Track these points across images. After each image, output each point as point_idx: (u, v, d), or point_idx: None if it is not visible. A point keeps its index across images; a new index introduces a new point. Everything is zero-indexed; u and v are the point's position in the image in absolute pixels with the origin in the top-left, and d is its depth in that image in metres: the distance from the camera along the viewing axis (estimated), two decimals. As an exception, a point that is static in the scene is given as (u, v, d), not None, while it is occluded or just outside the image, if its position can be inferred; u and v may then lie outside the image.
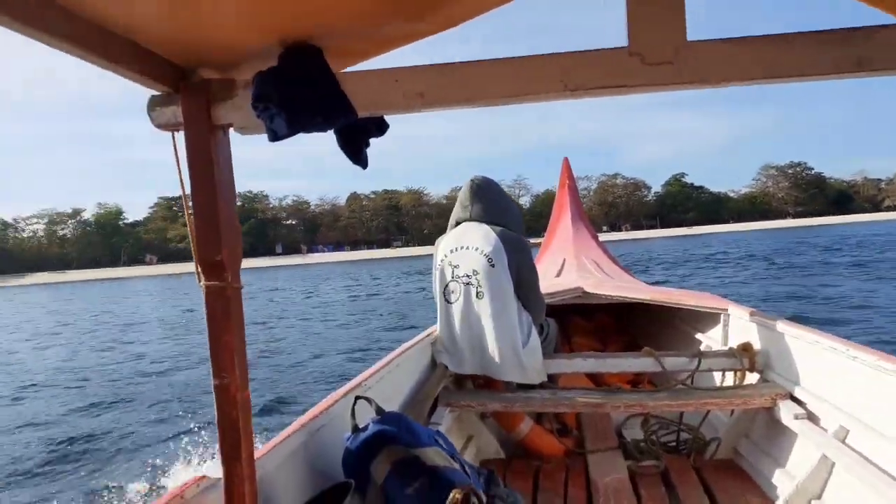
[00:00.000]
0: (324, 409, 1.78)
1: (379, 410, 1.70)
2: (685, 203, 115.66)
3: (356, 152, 1.23)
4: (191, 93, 1.15)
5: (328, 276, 41.50)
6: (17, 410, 8.31)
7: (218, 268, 1.16)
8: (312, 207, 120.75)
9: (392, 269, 43.10)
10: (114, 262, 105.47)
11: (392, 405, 1.86)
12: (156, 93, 1.17)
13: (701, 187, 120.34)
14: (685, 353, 2.82)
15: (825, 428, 2.08)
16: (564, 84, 1.06)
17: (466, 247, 2.69)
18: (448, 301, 2.72)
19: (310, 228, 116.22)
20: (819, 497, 1.97)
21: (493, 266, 2.61)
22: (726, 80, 1.03)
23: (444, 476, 1.57)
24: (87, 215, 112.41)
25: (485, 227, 2.71)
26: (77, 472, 5.63)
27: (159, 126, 1.18)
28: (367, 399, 1.73)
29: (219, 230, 1.15)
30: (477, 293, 2.64)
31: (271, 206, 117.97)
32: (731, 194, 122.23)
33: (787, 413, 2.26)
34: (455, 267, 2.70)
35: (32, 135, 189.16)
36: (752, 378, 2.70)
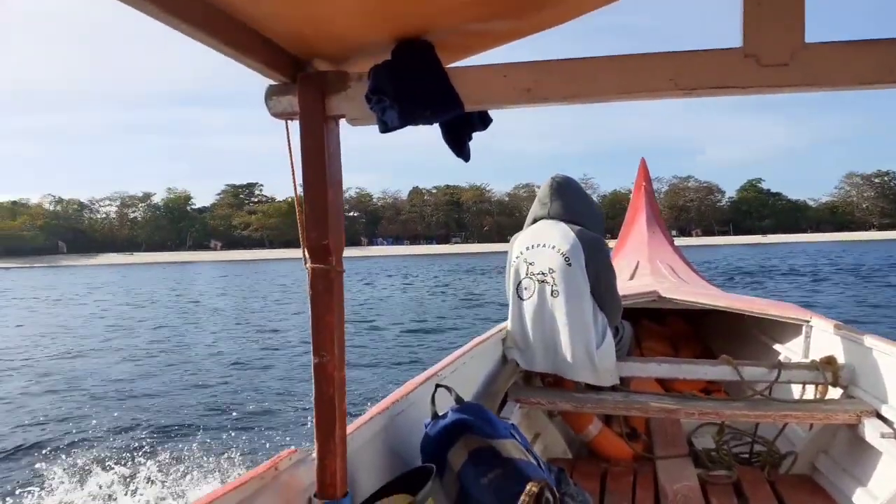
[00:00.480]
0: (403, 394, 1.86)
1: (458, 399, 1.76)
2: (760, 210, 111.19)
3: (460, 145, 1.28)
4: (307, 83, 1.22)
5: (386, 270, 42.05)
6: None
7: (324, 252, 1.24)
8: (374, 200, 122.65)
9: (447, 266, 43.16)
10: (180, 246, 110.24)
11: (465, 396, 1.92)
12: (273, 82, 1.24)
13: (778, 194, 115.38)
14: (764, 363, 2.76)
15: None
16: (675, 83, 1.06)
17: (543, 244, 2.71)
18: (521, 298, 2.75)
19: (371, 221, 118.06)
20: None
21: (569, 265, 2.63)
22: (845, 83, 1.02)
23: (520, 469, 1.61)
24: (156, 199, 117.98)
25: (563, 226, 2.73)
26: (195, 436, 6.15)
27: (275, 115, 1.25)
28: (448, 388, 1.79)
29: (326, 216, 1.23)
30: (552, 291, 2.66)
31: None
32: (811, 202, 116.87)
33: (872, 431, 2.18)
34: (530, 264, 2.72)
35: (112, 123, 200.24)
36: (834, 393, 2.62)
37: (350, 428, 1.56)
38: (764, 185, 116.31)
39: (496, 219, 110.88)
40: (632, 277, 4.58)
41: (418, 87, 1.14)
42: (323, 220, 1.23)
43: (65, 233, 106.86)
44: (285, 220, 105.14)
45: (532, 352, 2.76)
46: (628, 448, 2.77)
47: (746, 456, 2.73)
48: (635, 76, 1.08)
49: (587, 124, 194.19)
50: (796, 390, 2.94)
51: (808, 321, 3.11)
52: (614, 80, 1.09)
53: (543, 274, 2.68)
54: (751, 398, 2.63)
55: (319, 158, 1.22)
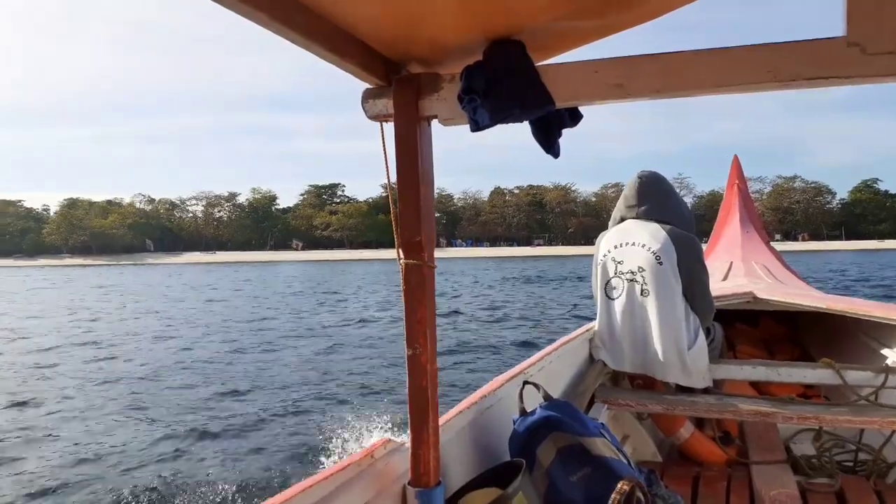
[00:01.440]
0: (491, 390, 1.93)
1: (546, 396, 1.81)
2: (876, 213, 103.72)
3: (550, 142, 1.32)
4: (402, 86, 1.29)
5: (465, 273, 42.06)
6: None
7: (416, 248, 1.31)
8: (455, 201, 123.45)
9: (527, 271, 42.40)
10: (263, 246, 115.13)
11: (553, 395, 1.97)
12: (369, 86, 1.33)
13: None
14: (869, 367, 2.67)
15: None
16: (773, 75, 1.05)
17: (632, 243, 2.72)
18: (609, 297, 2.76)
19: (451, 222, 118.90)
20: None
21: (660, 264, 2.63)
22: None
23: (611, 467, 1.65)
24: (241, 199, 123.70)
25: (653, 225, 2.72)
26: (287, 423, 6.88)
27: (371, 117, 1.33)
28: (535, 385, 1.85)
29: (419, 214, 1.30)
30: (642, 290, 2.66)
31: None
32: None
33: None
34: (619, 263, 2.73)
35: (203, 126, 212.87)
36: None
37: (440, 420, 1.64)
38: (881, 186, 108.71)
39: (582, 220, 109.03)
40: (725, 278, 4.50)
41: (509, 86, 1.19)
42: (416, 218, 1.30)
43: (153, 231, 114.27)
44: (364, 220, 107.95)
45: (621, 351, 2.77)
46: (721, 452, 2.74)
47: (850, 464, 2.64)
48: (730, 69, 1.08)
49: (679, 126, 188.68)
50: None
51: None
52: (707, 74, 1.09)
53: (633, 273, 2.68)
54: (855, 403, 2.54)
55: (413, 158, 1.29)
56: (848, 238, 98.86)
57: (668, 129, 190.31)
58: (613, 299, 2.75)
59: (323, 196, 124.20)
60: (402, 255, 1.33)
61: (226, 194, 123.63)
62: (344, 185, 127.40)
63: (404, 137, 1.29)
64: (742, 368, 2.80)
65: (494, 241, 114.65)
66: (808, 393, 3.39)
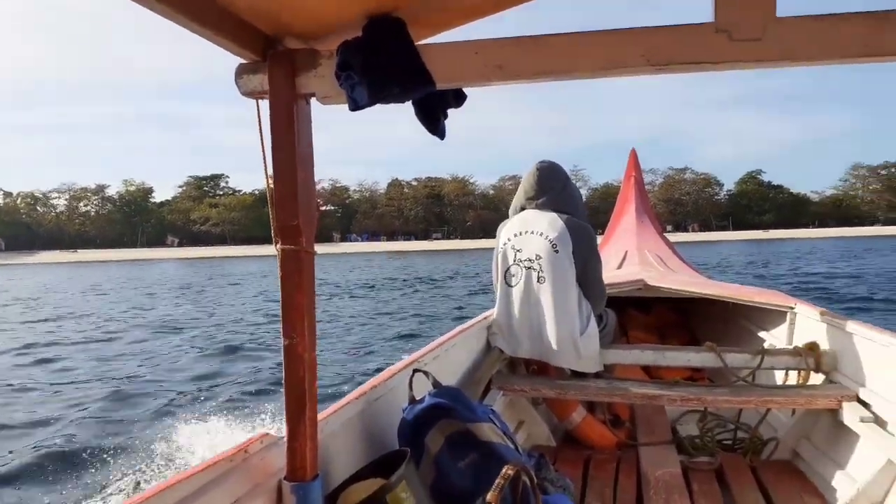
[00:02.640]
0: (382, 380, 1.96)
1: (436, 384, 1.86)
2: (761, 204, 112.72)
3: (433, 123, 1.35)
4: (277, 62, 1.28)
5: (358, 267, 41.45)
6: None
7: (294, 232, 1.30)
8: (350, 193, 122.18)
9: (424, 267, 42.03)
10: (135, 243, 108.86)
11: (447, 383, 2.03)
12: (244, 61, 1.31)
13: (779, 187, 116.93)
14: (747, 349, 2.93)
15: (893, 433, 2.15)
16: (647, 59, 1.12)
17: (531, 231, 2.87)
18: (509, 284, 2.91)
19: (347, 215, 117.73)
20: (881, 502, 2.04)
21: (556, 252, 2.79)
22: (817, 58, 1.08)
23: (498, 452, 1.71)
24: (111, 192, 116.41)
25: (551, 214, 2.88)
26: (143, 426, 6.46)
27: (245, 93, 1.32)
28: (425, 372, 1.89)
29: (296, 196, 1.29)
30: (538, 278, 2.81)
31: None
32: (813, 196, 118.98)
33: (852, 416, 2.33)
34: (518, 251, 2.87)
35: (103, 116, 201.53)
36: (816, 379, 2.78)
37: (326, 412, 1.64)
38: (764, 178, 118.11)
39: (480, 212, 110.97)
40: (620, 266, 4.80)
41: (388, 64, 1.21)
42: (293, 201, 1.29)
43: (4, 228, 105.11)
44: (248, 214, 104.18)
45: (517, 338, 2.91)
46: (611, 435, 2.93)
47: (730, 442, 2.89)
48: (608, 53, 1.14)
49: (580, 121, 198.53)
50: (779, 376, 3.13)
51: (792, 308, 3.30)
52: (587, 57, 1.15)
53: (531, 260, 2.83)
54: (734, 385, 2.79)
55: (290, 137, 1.28)
56: (735, 228, 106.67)
57: (567, 126, 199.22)
58: (512, 286, 2.89)
59: (204, 188, 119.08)
60: (278, 240, 1.32)
61: (93, 186, 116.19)
62: (228, 176, 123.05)
63: (280, 115, 1.28)
64: (631, 353, 3.01)
65: (392, 235, 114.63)
66: (695, 376, 3.68)
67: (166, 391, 7.98)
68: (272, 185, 1.31)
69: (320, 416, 1.57)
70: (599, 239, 3.59)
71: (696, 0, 1.22)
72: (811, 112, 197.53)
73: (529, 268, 2.84)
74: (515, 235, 2.92)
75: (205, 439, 5.48)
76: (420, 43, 1.25)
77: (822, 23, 1.06)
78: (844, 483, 2.27)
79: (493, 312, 3.03)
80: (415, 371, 1.91)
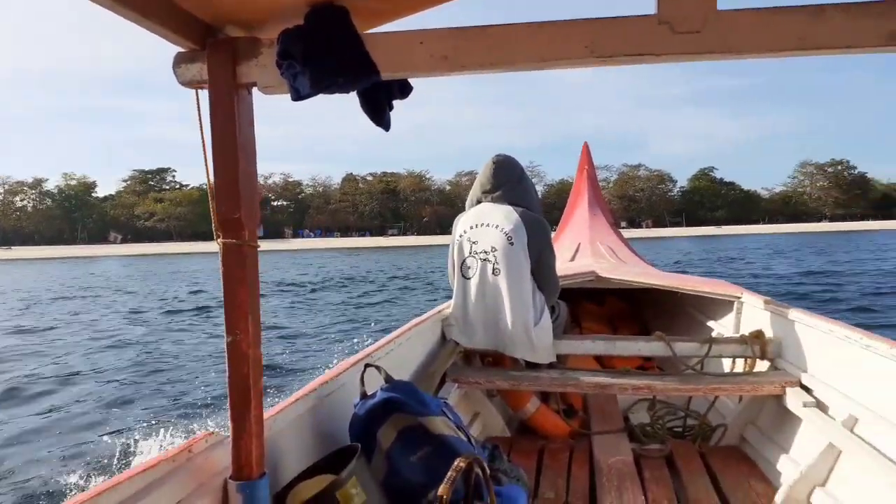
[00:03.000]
0: (333, 375, 1.96)
1: (388, 378, 1.86)
2: (713, 200, 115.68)
3: (379, 114, 1.35)
4: (216, 50, 1.27)
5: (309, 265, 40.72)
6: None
7: (236, 226, 1.29)
8: (304, 188, 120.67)
9: (376, 264, 41.01)
10: (76, 239, 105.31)
11: (401, 377, 2.04)
12: (182, 49, 1.29)
13: (731, 183, 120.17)
14: (696, 338, 3.04)
15: (833, 416, 2.27)
16: (590, 50, 1.14)
17: (487, 224, 2.93)
18: (465, 276, 2.97)
19: (299, 211, 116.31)
20: (823, 484, 2.15)
21: (511, 244, 2.86)
22: (756, 50, 1.11)
23: (450, 445, 1.74)
24: (50, 186, 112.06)
25: (506, 207, 2.96)
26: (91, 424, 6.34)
27: (183, 83, 1.29)
28: (377, 367, 1.89)
29: (238, 189, 1.28)
30: (494, 270, 2.88)
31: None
32: (764, 193, 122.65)
33: (795, 401, 2.45)
34: (474, 243, 2.94)
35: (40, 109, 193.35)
36: (762, 366, 2.91)
37: (274, 409, 1.64)
38: (716, 175, 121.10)
39: (437, 208, 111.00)
40: (573, 258, 4.95)
41: (331, 53, 1.20)
42: (234, 193, 1.28)
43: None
44: (196, 209, 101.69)
45: (473, 329, 2.98)
46: (565, 424, 3.03)
47: (680, 429, 3.02)
48: (553, 44, 1.16)
49: (536, 118, 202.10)
50: (727, 364, 3.28)
51: (739, 297, 3.45)
52: (532, 48, 1.17)
53: (486, 252, 2.90)
54: (683, 373, 2.90)
55: (230, 128, 1.27)
56: (688, 224, 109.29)
57: (524, 123, 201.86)
58: (468, 278, 2.96)
59: (150, 182, 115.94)
60: (219, 234, 1.30)
61: (30, 180, 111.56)
62: (174, 170, 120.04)
63: (220, 105, 1.27)
64: (583, 343, 3.10)
65: (346, 231, 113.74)
66: (646, 365, 3.82)
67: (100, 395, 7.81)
68: (213, 178, 1.29)
69: (268, 413, 1.57)
70: (553, 232, 3.67)
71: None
72: (759, 111, 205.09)
73: (485, 260, 2.90)
74: (471, 228, 2.97)
75: (150, 442, 5.37)
76: (364, 32, 1.25)
77: (761, 16, 1.10)
78: (788, 466, 2.37)
79: (449, 305, 3.08)
80: (366, 366, 1.91)
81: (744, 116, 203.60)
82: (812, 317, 2.66)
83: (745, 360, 2.96)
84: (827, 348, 2.48)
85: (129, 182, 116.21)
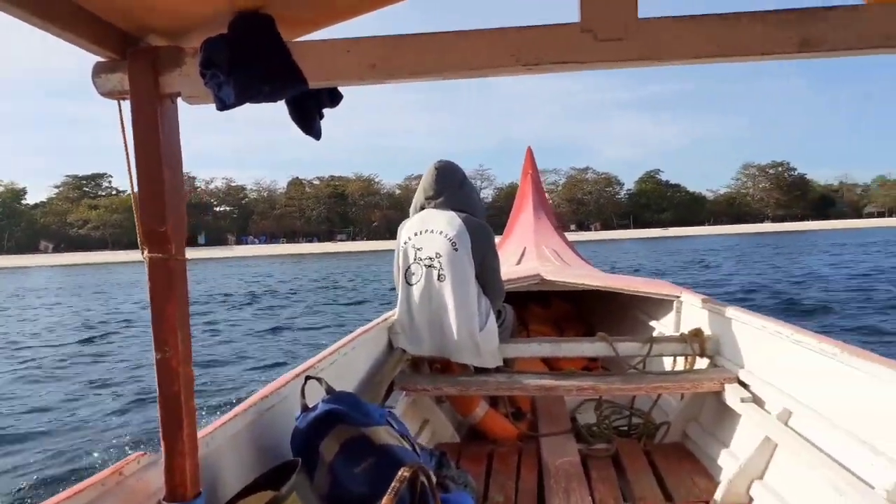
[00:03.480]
0: (274, 389, 1.93)
1: (329, 390, 1.85)
2: (659, 202, 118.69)
3: (308, 123, 1.35)
4: (137, 60, 1.24)
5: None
6: None
7: (162, 239, 1.27)
8: (248, 192, 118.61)
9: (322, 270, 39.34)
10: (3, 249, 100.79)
11: (346, 388, 2.03)
12: (101, 59, 1.26)
13: (677, 185, 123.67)
14: (638, 338, 3.15)
15: (769, 411, 2.37)
16: (517, 59, 1.17)
17: (431, 230, 2.96)
18: (409, 283, 2.99)
19: (243, 216, 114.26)
20: (761, 477, 2.24)
21: (456, 250, 2.89)
22: (677, 57, 1.16)
23: (394, 455, 1.73)
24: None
25: (450, 213, 2.99)
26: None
27: (104, 94, 1.27)
28: (318, 379, 1.88)
29: (164, 201, 1.26)
30: (438, 276, 2.91)
31: (197, 188, 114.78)
32: (708, 194, 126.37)
33: (733, 397, 2.55)
34: (418, 249, 2.96)
35: None
36: (702, 363, 3.02)
37: (211, 426, 1.61)
38: (662, 178, 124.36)
39: (386, 213, 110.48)
40: (518, 262, 5.04)
41: (256, 62, 1.19)
42: (160, 206, 1.26)
43: None
44: (131, 215, 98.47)
45: (419, 336, 3.00)
46: (513, 428, 3.09)
47: (626, 428, 3.11)
48: (480, 52, 1.18)
49: (484, 125, 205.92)
50: (668, 363, 3.39)
51: (678, 297, 3.58)
52: (459, 57, 1.19)
53: (431, 259, 2.93)
54: (626, 373, 2.99)
55: (153, 139, 1.25)
56: (636, 226, 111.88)
57: (473, 126, 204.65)
58: (412, 285, 2.97)
59: (84, 188, 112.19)
60: (145, 248, 1.28)
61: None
62: (111, 176, 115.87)
63: (143, 116, 1.25)
64: (529, 346, 3.17)
65: (292, 237, 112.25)
66: (591, 366, 3.91)
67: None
68: (137, 190, 1.28)
69: (205, 430, 1.56)
70: (499, 237, 3.72)
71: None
72: (699, 116, 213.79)
73: (430, 266, 2.92)
74: (415, 234, 3.00)
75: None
76: (290, 41, 1.25)
77: (680, 24, 1.14)
78: (728, 460, 2.47)
79: (395, 312, 3.09)
80: (307, 378, 1.89)
81: (684, 121, 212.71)
82: (747, 314, 2.77)
83: (686, 358, 3.07)
84: (761, 344, 2.59)
85: (61, 188, 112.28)
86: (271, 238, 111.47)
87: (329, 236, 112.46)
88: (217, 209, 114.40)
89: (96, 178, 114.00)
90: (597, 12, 1.15)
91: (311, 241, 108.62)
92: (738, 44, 1.13)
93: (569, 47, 1.16)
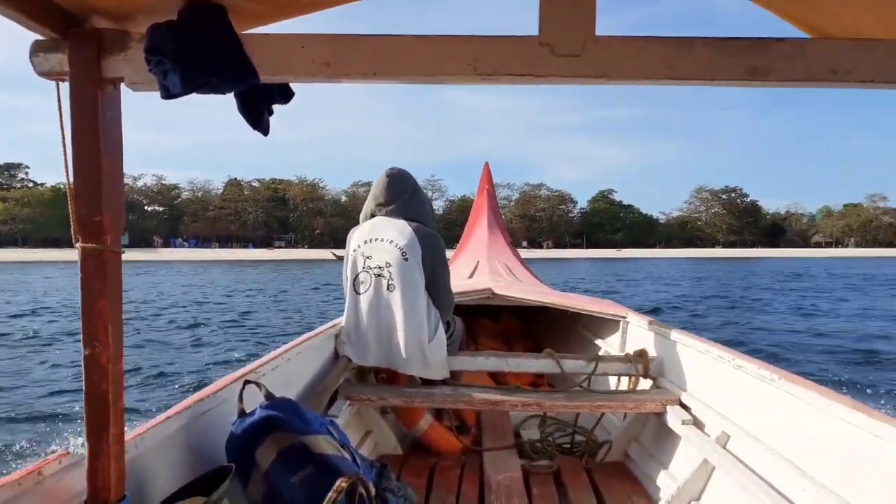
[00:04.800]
0: (211, 392, 1.93)
1: (269, 396, 1.86)
2: (612, 222, 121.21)
3: (257, 118, 1.38)
4: (79, 41, 1.25)
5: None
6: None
7: (97, 229, 1.27)
8: (181, 192, 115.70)
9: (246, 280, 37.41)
10: None
11: (287, 394, 2.03)
12: (41, 38, 1.26)
13: (630, 206, 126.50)
14: (584, 356, 3.26)
15: (709, 433, 2.48)
16: (474, 68, 1.21)
17: (381, 238, 3.00)
18: (357, 292, 3.02)
19: (174, 217, 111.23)
20: (698, 499, 2.35)
21: (406, 259, 2.94)
22: (630, 77, 1.21)
23: (333, 465, 1.76)
24: None
25: (401, 222, 3.04)
26: None
27: (42, 74, 1.27)
28: (257, 384, 1.89)
29: (101, 190, 1.26)
30: (388, 286, 2.96)
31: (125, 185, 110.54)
32: (661, 217, 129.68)
33: (674, 418, 2.66)
34: (367, 258, 3.00)
35: None
36: (645, 384, 3.14)
37: (142, 427, 1.61)
38: (615, 198, 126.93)
39: (329, 220, 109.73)
40: (471, 276, 5.19)
41: (203, 51, 1.21)
42: (96, 195, 1.26)
43: None
44: (47, 210, 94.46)
45: (365, 346, 3.04)
46: (457, 441, 3.16)
47: (568, 446, 3.22)
48: (437, 58, 1.22)
49: (435, 137, 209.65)
50: (613, 382, 3.53)
51: (625, 317, 3.74)
52: (416, 61, 1.23)
53: (380, 268, 2.97)
54: (571, 390, 3.09)
55: (93, 124, 1.25)
56: (588, 246, 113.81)
57: (425, 138, 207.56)
58: (360, 294, 3.01)
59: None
60: (79, 238, 1.28)
61: None
62: (27, 167, 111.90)
63: (82, 100, 1.26)
64: (477, 360, 3.24)
65: (226, 242, 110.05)
66: (539, 382, 4.03)
67: None
68: (73, 178, 1.27)
69: (135, 431, 1.56)
70: (454, 250, 3.80)
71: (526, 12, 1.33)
72: (648, 141, 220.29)
73: (379, 275, 2.97)
74: (365, 242, 3.03)
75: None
76: (243, 33, 1.26)
77: (635, 44, 1.21)
78: (667, 482, 2.58)
79: (342, 320, 3.13)
80: (246, 382, 1.90)
81: (634, 145, 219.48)
82: (691, 337, 2.90)
83: (630, 378, 3.19)
84: (703, 367, 2.72)
85: None
86: (202, 242, 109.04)
87: (267, 242, 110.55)
88: (147, 209, 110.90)
89: (10, 169, 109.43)
90: (556, 27, 1.20)
91: (246, 247, 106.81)
92: (689, 68, 1.20)
93: (526, 60, 1.21)
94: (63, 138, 1.26)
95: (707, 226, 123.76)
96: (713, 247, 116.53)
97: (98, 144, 1.25)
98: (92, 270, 1.28)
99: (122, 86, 1.31)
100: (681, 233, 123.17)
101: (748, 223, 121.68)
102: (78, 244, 1.27)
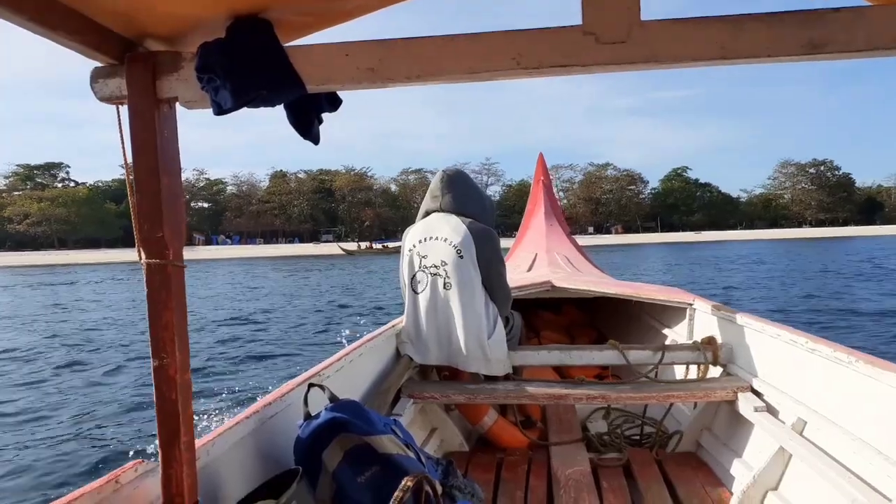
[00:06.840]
0: (278, 396, 2.09)
1: (333, 398, 2.02)
2: (688, 202, 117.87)
3: (307, 127, 1.50)
4: (135, 65, 1.37)
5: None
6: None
7: (159, 245, 1.39)
8: (226, 186, 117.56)
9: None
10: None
11: (352, 396, 2.16)
12: (100, 64, 1.40)
13: (707, 185, 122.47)
14: (650, 346, 3.35)
15: (783, 420, 2.55)
16: (517, 62, 1.28)
17: (435, 237, 3.17)
18: (415, 291, 3.21)
19: (217, 213, 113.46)
20: (775, 488, 2.42)
21: (461, 257, 3.10)
22: (679, 60, 1.25)
23: (398, 464, 1.90)
24: None
25: (455, 219, 3.20)
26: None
27: (103, 99, 1.41)
28: (321, 386, 2.04)
29: (161, 207, 1.39)
30: (444, 284, 3.12)
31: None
32: (742, 195, 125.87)
33: (746, 406, 2.73)
34: (423, 257, 3.18)
35: None
36: (715, 371, 3.22)
37: (212, 434, 1.76)
38: (691, 176, 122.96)
39: (379, 211, 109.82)
40: (530, 269, 5.35)
41: (252, 66, 1.32)
42: (157, 212, 1.38)
43: None
44: (82, 210, 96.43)
45: (426, 345, 3.23)
46: (523, 436, 3.31)
47: (637, 437, 3.33)
48: (479, 55, 1.29)
49: (496, 129, 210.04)
50: (681, 371, 3.62)
51: (691, 304, 3.81)
52: (458, 60, 1.30)
53: (436, 267, 3.14)
54: (637, 380, 3.19)
55: (151, 143, 1.37)
56: (663, 230, 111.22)
57: (480, 127, 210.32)
58: (418, 293, 3.20)
59: (38, 179, 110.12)
60: (142, 254, 1.40)
61: None
62: (69, 166, 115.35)
63: (141, 121, 1.38)
64: (539, 354, 3.37)
65: (271, 237, 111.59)
66: (603, 373, 4.15)
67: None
68: (135, 196, 1.39)
69: (206, 438, 1.70)
70: (510, 242, 3.91)
71: (566, 2, 1.38)
72: (712, 120, 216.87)
73: (435, 274, 3.13)
74: (420, 242, 3.20)
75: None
76: (288, 45, 1.38)
77: (683, 26, 1.26)
78: (742, 471, 2.66)
79: (402, 319, 3.31)
80: (310, 385, 2.05)
81: (697, 126, 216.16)
82: (761, 322, 2.96)
83: (699, 366, 3.27)
84: (775, 353, 2.78)
85: (11, 178, 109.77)
86: (247, 238, 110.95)
87: (314, 236, 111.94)
88: (192, 205, 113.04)
89: (51, 168, 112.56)
90: (599, 15, 1.27)
91: (291, 242, 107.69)
92: (742, 46, 1.24)
93: (570, 50, 1.27)
94: (125, 159, 1.39)
95: (794, 203, 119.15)
96: (800, 226, 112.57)
97: (157, 163, 1.37)
98: (156, 285, 1.40)
99: (177, 104, 1.44)
100: (764, 213, 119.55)
101: (841, 199, 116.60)
102: (142, 259, 1.40)
